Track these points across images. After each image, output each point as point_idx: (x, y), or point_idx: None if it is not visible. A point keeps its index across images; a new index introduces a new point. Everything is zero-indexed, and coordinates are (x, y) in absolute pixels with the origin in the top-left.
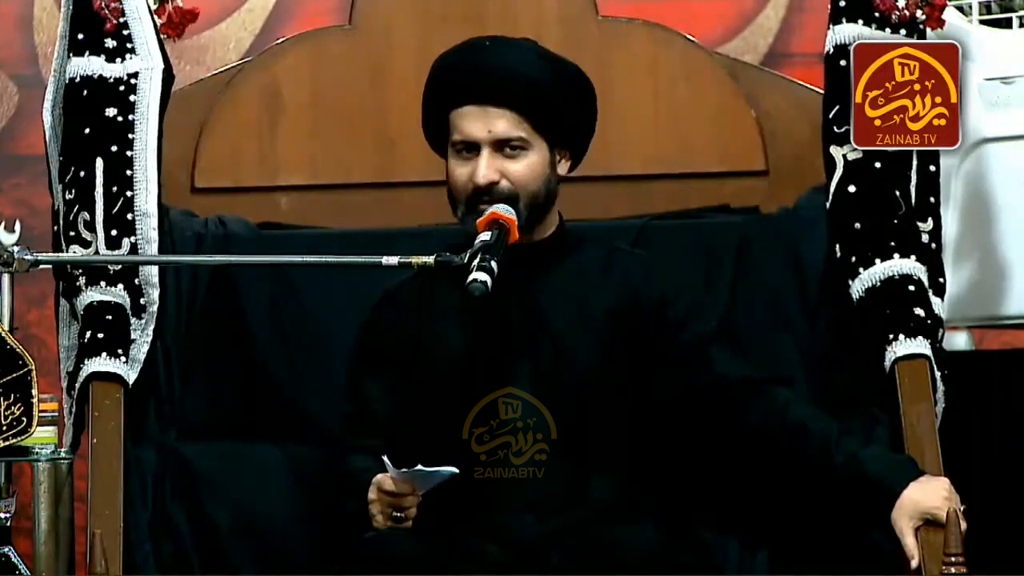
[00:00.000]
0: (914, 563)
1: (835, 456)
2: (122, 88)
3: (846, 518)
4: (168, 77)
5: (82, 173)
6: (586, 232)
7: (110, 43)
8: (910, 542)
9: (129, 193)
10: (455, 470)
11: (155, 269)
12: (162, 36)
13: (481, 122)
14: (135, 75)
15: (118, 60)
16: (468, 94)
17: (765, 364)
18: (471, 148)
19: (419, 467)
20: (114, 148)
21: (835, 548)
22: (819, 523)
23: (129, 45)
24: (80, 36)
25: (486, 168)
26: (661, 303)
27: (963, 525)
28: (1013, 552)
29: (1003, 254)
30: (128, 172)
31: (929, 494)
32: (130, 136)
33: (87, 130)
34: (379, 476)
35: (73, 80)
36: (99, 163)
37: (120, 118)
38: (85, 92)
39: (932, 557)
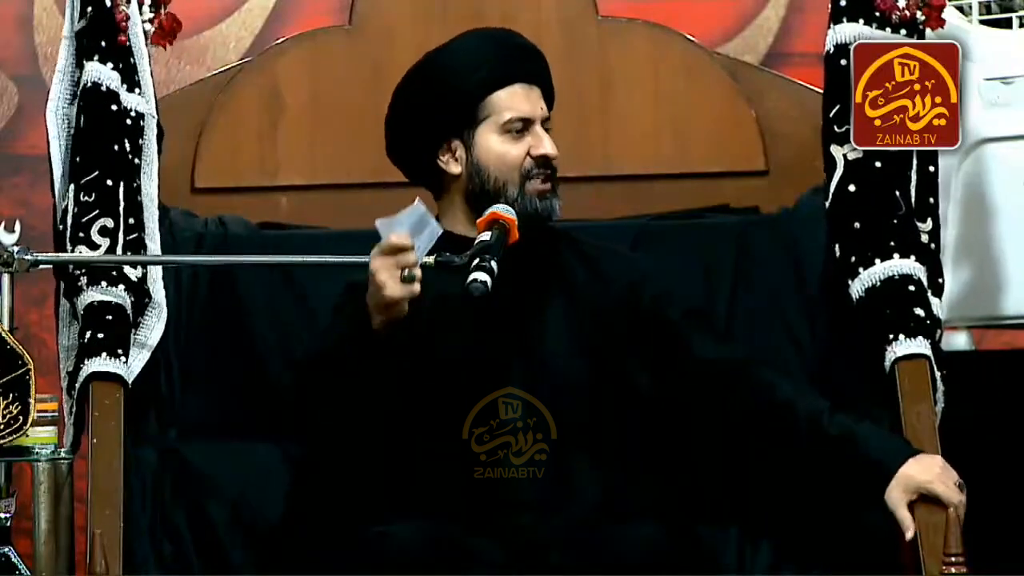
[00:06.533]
0: (909, 534)
1: (828, 430)
2: (128, 122)
3: (840, 499)
4: (160, 133)
5: (109, 182)
6: (581, 232)
7: (121, 64)
8: (903, 514)
9: (141, 235)
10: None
11: (164, 300)
12: (154, 46)
13: (532, 100)
14: (141, 116)
15: (124, 88)
16: (517, 74)
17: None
18: (524, 126)
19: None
20: (135, 183)
21: (832, 535)
22: (815, 509)
23: (136, 78)
24: (103, 44)
25: (549, 141)
26: (657, 300)
27: (963, 498)
28: (1013, 552)
29: (1003, 254)
30: (141, 216)
31: (923, 469)
32: (137, 183)
33: (116, 147)
34: (379, 244)
35: (98, 86)
36: (122, 186)
37: (131, 156)
38: (115, 108)
39: (932, 557)
